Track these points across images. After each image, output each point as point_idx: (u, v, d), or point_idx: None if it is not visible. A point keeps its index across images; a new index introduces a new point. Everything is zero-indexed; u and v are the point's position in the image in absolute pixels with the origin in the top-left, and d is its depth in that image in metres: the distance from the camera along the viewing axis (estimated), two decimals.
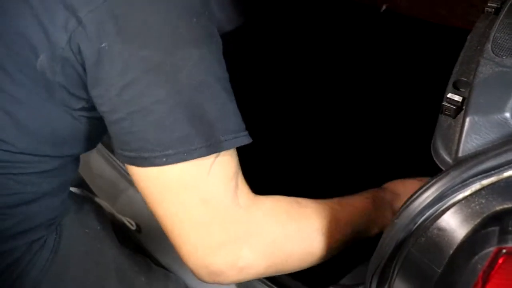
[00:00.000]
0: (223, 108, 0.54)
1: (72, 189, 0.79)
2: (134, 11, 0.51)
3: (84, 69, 0.53)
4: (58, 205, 0.69)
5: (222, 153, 0.55)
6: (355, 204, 0.67)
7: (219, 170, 0.55)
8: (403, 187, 0.74)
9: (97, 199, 0.85)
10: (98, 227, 0.77)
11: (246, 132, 0.56)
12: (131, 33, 0.51)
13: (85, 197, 0.83)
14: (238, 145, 0.56)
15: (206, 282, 0.57)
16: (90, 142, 0.66)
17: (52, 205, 0.67)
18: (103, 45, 0.50)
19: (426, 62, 1.24)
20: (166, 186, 0.54)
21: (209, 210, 0.54)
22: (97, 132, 0.63)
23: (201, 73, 0.53)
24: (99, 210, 0.82)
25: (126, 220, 0.89)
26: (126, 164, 0.56)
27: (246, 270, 0.56)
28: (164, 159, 0.52)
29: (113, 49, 0.50)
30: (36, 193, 0.64)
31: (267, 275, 0.60)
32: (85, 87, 0.55)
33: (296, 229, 0.59)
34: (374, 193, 0.70)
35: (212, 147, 0.53)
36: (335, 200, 0.65)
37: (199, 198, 0.54)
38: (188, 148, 0.52)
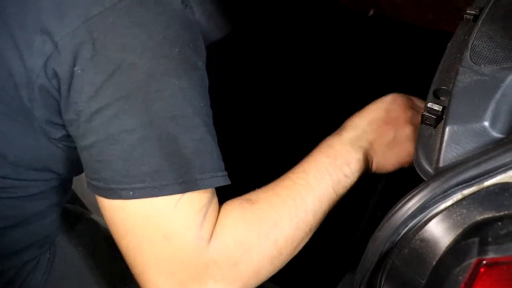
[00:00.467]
0: (200, 144, 0.51)
1: (66, 205, 0.79)
2: (114, 35, 0.48)
3: (60, 95, 0.51)
4: (50, 225, 0.68)
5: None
6: (307, 171, 0.58)
7: (187, 206, 0.50)
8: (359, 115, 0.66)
9: (91, 215, 0.84)
10: (92, 244, 0.77)
11: (225, 173, 0.53)
12: (106, 58, 0.48)
13: (79, 213, 0.82)
14: (214, 186, 0.52)
15: None
16: (76, 167, 0.62)
17: (43, 226, 0.67)
18: (76, 68, 0.48)
19: (414, 64, 1.24)
20: (130, 219, 0.51)
21: (170, 247, 0.50)
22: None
23: (178, 105, 0.49)
24: (93, 226, 0.81)
25: None
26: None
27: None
28: (131, 193, 0.49)
29: (86, 73, 0.48)
30: (25, 215, 0.63)
31: None
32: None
33: (257, 236, 0.53)
34: (325, 146, 0.62)
35: (185, 185, 0.49)
36: (285, 178, 0.58)
37: (161, 233, 0.50)
38: (158, 183, 0.49)
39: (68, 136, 0.55)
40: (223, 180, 0.52)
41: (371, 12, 1.36)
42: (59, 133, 0.55)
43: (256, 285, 0.56)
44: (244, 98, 1.36)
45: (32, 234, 0.66)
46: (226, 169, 0.54)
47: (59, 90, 0.51)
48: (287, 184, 0.57)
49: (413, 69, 1.25)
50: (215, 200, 0.54)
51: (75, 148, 0.54)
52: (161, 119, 0.49)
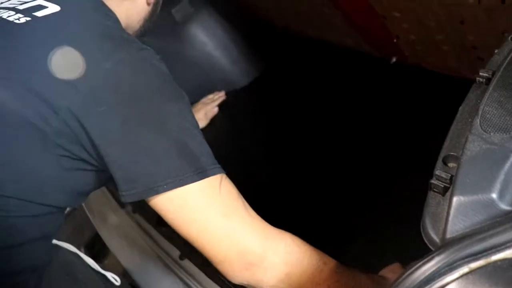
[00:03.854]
0: (201, 147, 0.68)
1: (59, 243, 0.84)
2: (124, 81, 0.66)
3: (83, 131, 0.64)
4: (42, 253, 0.73)
5: (223, 180, 0.69)
6: (360, 278, 0.73)
7: (227, 191, 0.68)
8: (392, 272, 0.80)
9: (82, 255, 0.87)
10: (80, 276, 0.82)
11: (218, 165, 0.69)
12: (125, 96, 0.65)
13: (71, 252, 0.86)
14: (218, 173, 0.68)
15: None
16: (76, 196, 0.74)
17: (36, 252, 0.71)
18: (102, 108, 0.63)
19: (437, 112, 1.23)
20: (191, 208, 0.66)
21: (231, 222, 0.67)
22: (83, 186, 0.72)
23: (182, 121, 0.67)
24: (84, 264, 0.87)
25: (110, 276, 0.91)
26: (149, 202, 0.67)
27: (270, 271, 0.67)
28: (165, 186, 0.64)
29: (112, 111, 0.64)
30: (20, 238, 0.68)
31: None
32: (80, 144, 0.65)
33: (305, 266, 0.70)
34: (374, 277, 0.76)
35: (201, 174, 0.66)
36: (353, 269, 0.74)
37: (220, 212, 0.66)
38: (182, 176, 0.65)
39: (80, 160, 0.68)
40: (221, 170, 0.69)
41: (394, 60, 1.36)
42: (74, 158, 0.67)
43: None
44: (269, 145, 1.38)
45: (25, 259, 0.70)
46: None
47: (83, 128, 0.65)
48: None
49: (436, 117, 1.24)
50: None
51: (83, 170, 0.68)
52: (174, 132, 0.66)
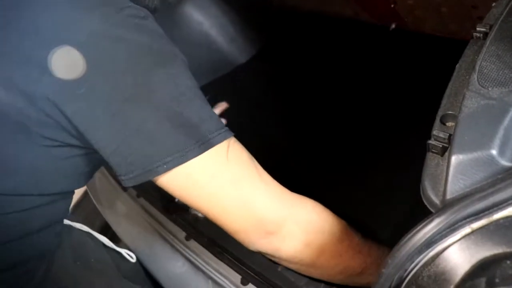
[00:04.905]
0: (201, 112, 0.61)
1: (72, 223, 0.82)
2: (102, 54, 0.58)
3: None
4: (51, 238, 0.71)
5: (231, 145, 0.63)
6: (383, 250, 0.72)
7: (235, 157, 0.63)
8: None
9: (95, 234, 0.86)
10: (92, 260, 0.79)
11: (226, 128, 0.63)
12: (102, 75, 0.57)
13: (83, 232, 0.84)
14: (223, 139, 0.62)
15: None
16: (78, 178, 0.70)
17: (44, 239, 0.69)
18: (81, 90, 0.57)
19: (439, 76, 1.21)
20: (197, 183, 0.62)
21: (242, 190, 0.63)
22: (83, 167, 0.68)
23: (173, 88, 0.60)
24: (95, 244, 0.85)
25: (125, 253, 0.90)
26: (155, 182, 0.62)
27: (288, 240, 0.64)
28: (165, 166, 0.59)
29: (93, 91, 0.57)
30: (26, 229, 0.66)
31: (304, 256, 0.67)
32: (66, 131, 0.60)
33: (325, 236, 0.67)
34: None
35: (203, 146, 0.60)
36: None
37: (229, 180, 0.62)
38: (182, 152, 0.59)
39: (68, 146, 0.63)
40: (229, 134, 0.63)
41: (393, 26, 1.33)
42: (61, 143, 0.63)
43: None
44: (267, 121, 1.36)
45: (32, 248, 0.69)
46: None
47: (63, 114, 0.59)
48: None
49: (438, 81, 1.21)
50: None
51: (76, 156, 0.64)
52: (166, 104, 0.59)
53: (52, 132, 0.60)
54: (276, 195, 0.64)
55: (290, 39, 1.65)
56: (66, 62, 0.56)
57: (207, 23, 1.62)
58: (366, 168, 1.09)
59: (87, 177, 0.74)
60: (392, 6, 1.21)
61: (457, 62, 0.64)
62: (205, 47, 1.60)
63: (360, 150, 1.15)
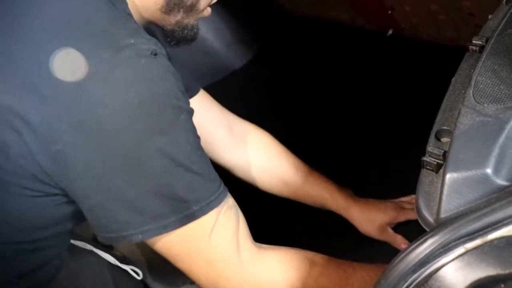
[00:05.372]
0: (191, 184, 0.56)
1: (72, 241, 0.80)
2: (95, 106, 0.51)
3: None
4: (49, 274, 0.69)
5: (221, 215, 0.58)
6: (368, 272, 0.67)
7: (220, 233, 0.59)
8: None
9: (98, 251, 0.84)
10: (94, 280, 0.77)
11: (219, 191, 0.58)
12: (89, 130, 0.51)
13: (85, 250, 0.82)
14: (211, 209, 0.57)
15: None
16: (76, 219, 0.65)
17: (40, 275, 0.67)
18: (58, 146, 0.51)
19: (436, 83, 1.20)
20: (176, 252, 0.59)
21: (216, 271, 0.60)
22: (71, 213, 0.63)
23: (167, 161, 0.53)
24: (99, 261, 0.82)
25: (130, 269, 0.89)
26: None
27: None
28: (140, 236, 0.55)
29: (72, 150, 0.51)
30: (21, 270, 0.64)
31: None
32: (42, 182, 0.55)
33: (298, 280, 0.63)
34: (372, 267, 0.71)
35: (186, 219, 0.55)
36: (348, 262, 0.68)
37: (205, 260, 0.59)
38: (162, 223, 0.55)
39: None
40: (217, 201, 0.58)
41: (390, 32, 1.33)
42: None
43: None
44: (265, 125, 1.35)
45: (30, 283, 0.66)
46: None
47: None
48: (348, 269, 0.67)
49: (435, 87, 1.20)
50: (242, 230, 0.62)
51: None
52: (155, 177, 0.54)
53: (29, 182, 0.56)
54: (248, 274, 0.62)
55: (287, 43, 1.64)
56: (46, 111, 0.50)
57: (203, 28, 1.61)
58: (362, 174, 1.09)
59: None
60: (389, 12, 1.21)
61: (453, 69, 0.64)
62: (202, 52, 1.59)
63: (356, 156, 1.14)
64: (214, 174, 0.60)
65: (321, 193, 0.90)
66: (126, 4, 0.57)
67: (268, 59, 1.61)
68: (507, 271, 0.38)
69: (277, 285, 0.63)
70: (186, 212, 0.55)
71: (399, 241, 0.86)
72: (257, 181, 0.90)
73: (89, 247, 0.82)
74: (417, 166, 0.51)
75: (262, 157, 0.90)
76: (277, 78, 1.52)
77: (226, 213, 0.60)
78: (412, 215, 0.87)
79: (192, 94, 0.85)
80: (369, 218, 0.87)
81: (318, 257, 0.68)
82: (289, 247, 0.69)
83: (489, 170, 0.43)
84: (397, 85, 1.30)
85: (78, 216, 0.63)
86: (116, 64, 0.50)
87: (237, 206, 0.64)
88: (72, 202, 0.59)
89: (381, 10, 1.22)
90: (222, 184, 0.61)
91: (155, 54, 0.52)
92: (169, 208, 0.54)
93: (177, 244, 0.58)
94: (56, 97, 0.50)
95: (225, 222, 0.60)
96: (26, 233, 0.61)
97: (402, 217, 0.88)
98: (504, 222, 0.40)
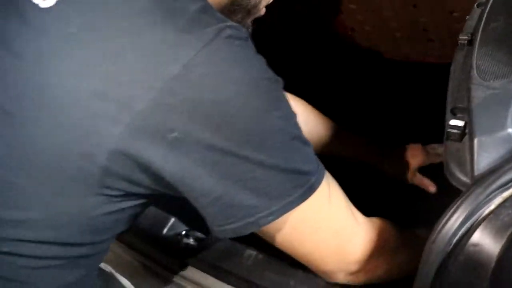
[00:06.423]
0: (306, 155, 0.56)
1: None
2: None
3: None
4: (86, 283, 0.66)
5: (330, 184, 0.60)
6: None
7: (336, 199, 0.60)
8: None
9: (121, 279, 0.82)
10: None
11: (321, 166, 0.59)
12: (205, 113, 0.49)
13: (110, 275, 0.80)
14: (323, 177, 0.58)
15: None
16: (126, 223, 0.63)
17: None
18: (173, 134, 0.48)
19: (395, 98, 1.30)
20: (301, 231, 0.59)
21: (343, 239, 0.61)
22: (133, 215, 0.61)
23: (284, 134, 0.53)
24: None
25: None
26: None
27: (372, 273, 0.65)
28: (270, 218, 0.54)
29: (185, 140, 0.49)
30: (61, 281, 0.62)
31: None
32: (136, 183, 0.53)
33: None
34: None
35: (308, 191, 0.55)
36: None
37: (331, 231, 0.60)
38: (288, 200, 0.54)
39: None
40: (323, 169, 0.59)
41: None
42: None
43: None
44: None
45: None
46: None
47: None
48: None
49: (397, 103, 1.30)
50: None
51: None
52: (276, 152, 0.53)
53: (116, 183, 0.52)
54: (365, 235, 0.63)
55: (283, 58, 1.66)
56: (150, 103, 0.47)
57: None
58: (362, 175, 1.14)
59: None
60: (349, 33, 1.31)
61: (409, 84, 0.71)
62: None
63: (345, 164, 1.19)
64: (312, 150, 0.59)
65: (354, 145, 1.00)
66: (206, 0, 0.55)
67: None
68: None
69: (393, 237, 0.67)
70: (307, 184, 0.55)
71: (427, 183, 0.97)
72: None
73: (109, 269, 0.80)
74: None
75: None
76: None
77: (329, 179, 0.60)
78: (436, 159, 0.98)
79: None
80: (403, 163, 0.97)
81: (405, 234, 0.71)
82: None
83: (510, 130, 0.50)
84: (359, 100, 1.37)
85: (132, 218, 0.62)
86: (219, 45, 0.49)
87: None
88: (142, 204, 0.58)
89: (343, 30, 1.32)
90: None
91: (247, 38, 0.53)
92: (292, 183, 0.54)
93: (302, 221, 0.57)
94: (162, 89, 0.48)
95: (334, 188, 0.61)
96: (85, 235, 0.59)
97: (428, 161, 0.98)
98: None
